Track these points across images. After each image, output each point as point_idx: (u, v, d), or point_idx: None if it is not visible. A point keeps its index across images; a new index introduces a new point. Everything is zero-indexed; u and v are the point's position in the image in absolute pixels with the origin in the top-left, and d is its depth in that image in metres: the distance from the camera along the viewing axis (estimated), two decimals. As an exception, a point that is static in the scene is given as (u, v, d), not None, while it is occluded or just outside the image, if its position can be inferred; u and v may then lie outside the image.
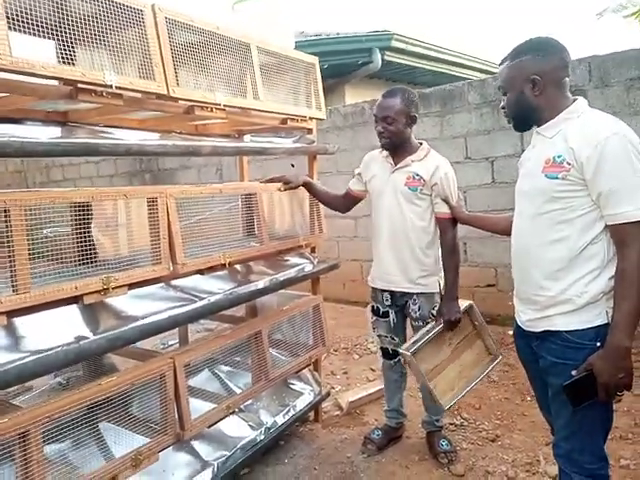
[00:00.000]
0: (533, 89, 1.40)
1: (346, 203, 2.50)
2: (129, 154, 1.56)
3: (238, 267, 2.39)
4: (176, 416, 1.81)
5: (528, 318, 1.48)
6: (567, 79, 1.42)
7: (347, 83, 6.76)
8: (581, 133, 1.33)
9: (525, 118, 1.48)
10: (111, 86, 1.47)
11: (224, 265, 1.95)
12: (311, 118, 2.42)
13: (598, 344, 1.33)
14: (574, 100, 1.41)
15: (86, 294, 1.47)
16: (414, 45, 6.38)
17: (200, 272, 1.92)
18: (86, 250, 1.58)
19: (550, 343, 1.41)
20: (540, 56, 1.39)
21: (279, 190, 2.28)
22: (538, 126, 1.45)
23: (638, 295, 1.27)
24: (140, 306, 1.80)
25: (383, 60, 6.21)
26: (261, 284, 2.22)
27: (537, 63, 1.39)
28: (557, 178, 1.34)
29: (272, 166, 5.14)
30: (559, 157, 1.34)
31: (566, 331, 1.37)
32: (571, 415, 1.40)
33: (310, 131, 2.50)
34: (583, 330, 1.35)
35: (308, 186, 2.42)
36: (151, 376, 1.72)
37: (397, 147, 2.24)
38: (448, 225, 2.21)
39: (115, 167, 6.67)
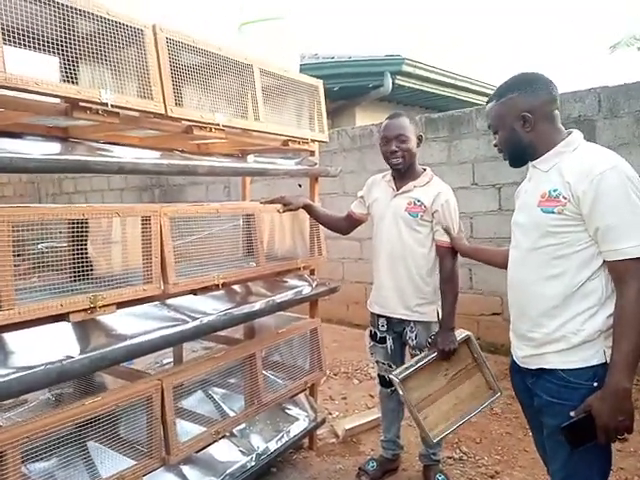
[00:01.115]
0: (524, 126, 1.39)
1: (347, 225, 2.48)
2: (123, 172, 1.56)
3: (235, 288, 2.36)
4: (162, 439, 1.77)
5: (524, 354, 1.42)
6: (557, 112, 1.41)
7: (357, 105, 6.81)
8: (577, 167, 1.30)
9: (519, 154, 1.46)
10: (107, 104, 1.47)
11: (218, 286, 1.92)
12: (313, 140, 2.41)
13: (595, 384, 1.27)
14: (568, 133, 1.40)
15: (72, 312, 1.44)
16: (425, 70, 6.42)
17: (193, 292, 1.89)
18: (76, 267, 1.57)
19: (545, 381, 1.35)
20: (528, 92, 1.38)
21: (278, 211, 2.26)
22: (533, 160, 1.43)
23: (637, 334, 1.21)
24: (131, 325, 1.77)
25: (394, 84, 6.25)
26: (257, 305, 2.18)
27: (526, 99, 1.38)
28: (553, 212, 1.32)
29: (279, 185, 5.16)
30: (555, 191, 1.32)
31: (562, 370, 1.31)
32: (567, 457, 1.33)
33: (312, 153, 2.49)
34: (580, 369, 1.29)
35: (308, 208, 2.39)
36: (137, 398, 1.69)
37: (404, 171, 2.22)
38: (447, 253, 2.17)
39: (126, 181, 6.73)
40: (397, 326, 2.25)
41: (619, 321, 1.24)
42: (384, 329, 2.29)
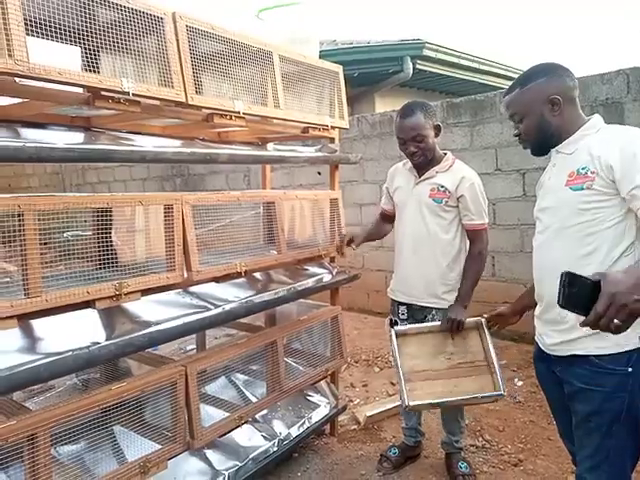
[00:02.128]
0: (552, 110, 1.39)
1: (387, 223, 2.49)
2: (144, 161, 1.56)
3: (257, 275, 2.37)
4: (187, 424, 1.80)
5: (553, 342, 1.40)
6: (577, 98, 1.44)
7: (377, 92, 6.72)
8: (605, 142, 1.32)
9: (546, 140, 1.44)
10: (128, 93, 1.47)
11: (240, 273, 1.93)
12: (333, 127, 2.39)
13: (630, 369, 1.26)
14: (589, 118, 1.41)
15: (98, 299, 1.47)
16: (446, 54, 6.29)
17: (216, 280, 1.90)
18: (101, 255, 1.59)
19: (577, 368, 1.33)
20: (554, 77, 1.40)
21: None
22: (556, 146, 1.43)
23: None
24: (155, 312, 1.79)
25: (414, 69, 6.14)
26: (278, 293, 2.19)
27: (553, 84, 1.39)
28: (582, 189, 1.31)
29: (299, 173, 5.15)
30: (583, 169, 1.32)
31: (595, 355, 1.29)
32: (599, 443, 1.32)
33: (332, 140, 2.47)
34: (614, 355, 1.28)
35: (367, 239, 2.51)
36: (162, 384, 1.71)
37: (427, 163, 2.19)
38: (479, 236, 2.15)
39: (148, 171, 6.81)
40: (418, 313, 2.23)
41: None
42: (404, 317, 2.27)
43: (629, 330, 1.13)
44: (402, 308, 2.28)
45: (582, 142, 1.37)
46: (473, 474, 2.24)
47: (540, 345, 1.46)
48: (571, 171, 1.34)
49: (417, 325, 1.97)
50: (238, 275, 1.96)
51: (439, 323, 2.03)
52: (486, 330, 1.96)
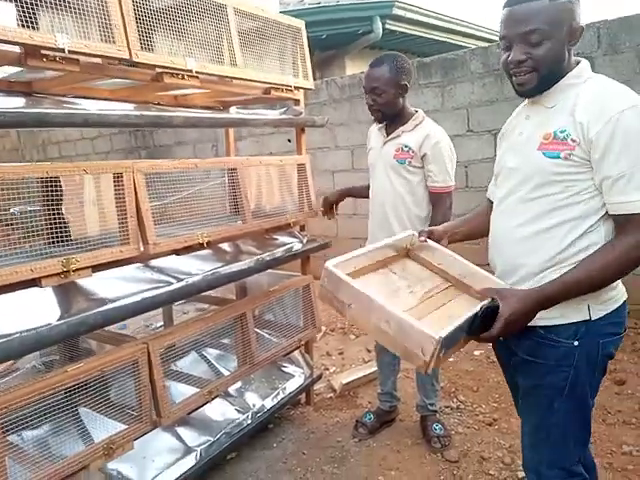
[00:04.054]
0: (571, 40, 1.15)
1: None
2: (87, 125, 1.44)
3: (224, 247, 2.28)
4: (152, 403, 1.73)
5: None
6: None
7: (347, 54, 6.53)
8: (591, 104, 1.12)
9: (553, 76, 1.17)
10: (64, 50, 1.33)
11: (202, 245, 1.83)
12: (297, 88, 2.27)
13: (576, 343, 1.17)
14: (576, 62, 1.20)
15: (44, 277, 1.36)
16: (417, 13, 6.11)
17: (176, 252, 1.80)
18: (49, 230, 1.47)
19: (524, 339, 1.24)
20: (576, 4, 1.15)
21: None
22: (547, 89, 1.20)
23: (596, 281, 1.12)
24: (112, 288, 1.70)
25: (384, 29, 5.96)
26: (245, 264, 2.11)
27: (577, 9, 1.15)
28: (558, 157, 1.14)
29: (269, 141, 5.00)
30: (562, 132, 1.14)
31: (541, 326, 1.20)
32: (537, 421, 1.25)
33: (297, 102, 2.36)
34: (559, 326, 1.18)
35: (347, 192, 2.47)
36: (123, 363, 1.63)
37: (390, 119, 2.11)
38: (439, 199, 2.09)
39: (111, 144, 6.54)
40: None
41: (598, 256, 1.11)
42: None
43: (577, 300, 1.16)
44: None
45: (565, 95, 1.16)
46: (448, 435, 2.25)
47: None
48: (547, 132, 1.16)
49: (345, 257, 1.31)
50: (200, 247, 1.86)
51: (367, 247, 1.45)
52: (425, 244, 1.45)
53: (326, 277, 1.22)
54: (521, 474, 1.96)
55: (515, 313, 1.11)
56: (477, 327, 1.13)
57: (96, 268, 1.52)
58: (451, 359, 2.93)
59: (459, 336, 1.13)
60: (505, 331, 1.12)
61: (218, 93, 2.16)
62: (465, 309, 1.19)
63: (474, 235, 1.55)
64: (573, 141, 1.12)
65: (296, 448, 2.28)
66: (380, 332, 1.13)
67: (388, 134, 2.16)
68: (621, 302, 1.23)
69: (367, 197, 2.38)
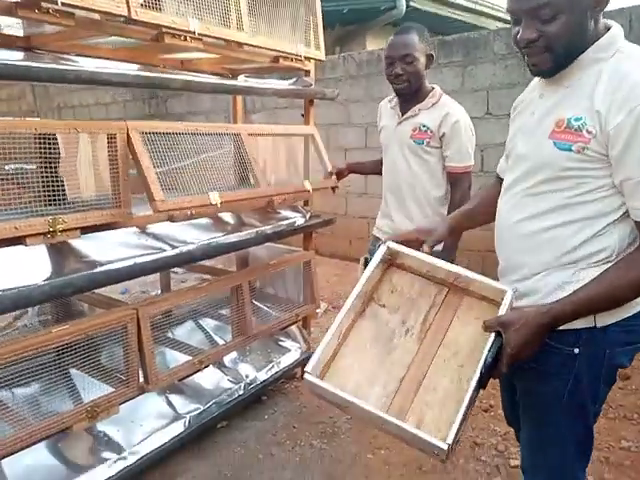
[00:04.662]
0: (595, 10, 0.99)
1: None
2: (80, 82, 1.40)
3: (225, 218, 2.25)
4: (140, 368, 1.72)
5: None
6: None
7: (368, 30, 6.35)
8: (614, 88, 0.95)
9: (573, 52, 1.02)
10: (56, 1, 1.29)
11: (215, 207, 1.72)
12: (308, 58, 2.19)
13: (577, 350, 1.07)
14: (607, 28, 1.02)
15: (29, 236, 1.34)
16: (443, -10, 5.91)
17: (171, 219, 1.76)
18: (40, 190, 1.45)
19: None
20: None
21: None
22: (565, 67, 1.04)
23: (618, 297, 1.00)
24: (104, 252, 1.68)
25: (408, 6, 5.78)
26: (244, 235, 2.08)
27: None
28: (570, 150, 1.00)
29: (282, 115, 4.92)
30: (577, 120, 0.99)
31: None
32: (535, 426, 1.18)
33: (307, 73, 2.28)
34: (560, 332, 1.05)
35: (353, 168, 2.41)
36: (111, 327, 1.62)
37: (412, 93, 2.01)
38: (457, 180, 2.01)
39: (125, 111, 6.52)
40: None
41: (616, 272, 0.99)
42: None
43: None
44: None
45: (586, 73, 1.00)
46: None
47: None
48: (561, 118, 1.02)
49: (326, 338, 1.11)
50: (213, 210, 1.78)
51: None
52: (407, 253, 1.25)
53: (308, 387, 1.08)
54: (513, 462, 1.93)
55: (521, 343, 1.00)
56: (487, 373, 1.01)
57: (85, 230, 1.50)
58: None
59: (472, 402, 1.01)
60: (514, 362, 1.01)
61: (225, 59, 2.09)
62: (471, 330, 1.11)
63: (484, 222, 1.40)
64: (589, 133, 0.97)
65: (287, 421, 2.28)
66: (388, 432, 1.02)
67: (403, 112, 2.06)
68: (638, 309, 1.08)
69: (376, 173, 2.31)
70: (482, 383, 1.01)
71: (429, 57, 1.97)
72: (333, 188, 2.35)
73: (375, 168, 2.34)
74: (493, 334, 1.03)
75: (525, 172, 1.12)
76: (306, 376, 1.06)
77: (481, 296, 1.16)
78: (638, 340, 1.10)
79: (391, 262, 1.29)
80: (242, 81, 2.39)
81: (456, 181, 2.02)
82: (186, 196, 1.65)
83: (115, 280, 1.57)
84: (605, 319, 1.05)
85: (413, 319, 1.20)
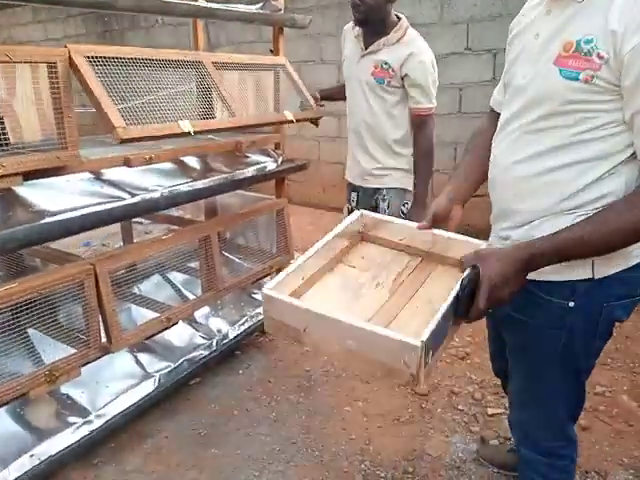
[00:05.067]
0: None
1: None
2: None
3: (189, 162, 2.06)
4: (101, 328, 1.59)
5: None
6: None
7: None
8: (635, 3, 0.81)
9: None
10: None
11: (187, 134, 1.53)
12: (276, -23, 1.95)
13: (571, 304, 0.98)
14: None
15: (-43, 182, 1.15)
16: None
17: (128, 163, 1.57)
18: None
19: None
20: None
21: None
22: None
23: (611, 241, 0.88)
24: (56, 201, 1.49)
25: None
26: (209, 182, 1.91)
27: None
28: (577, 79, 0.87)
29: (249, 50, 4.58)
30: (588, 42, 0.85)
31: (531, 280, 0.94)
32: (526, 382, 1.13)
33: (276, -3, 2.04)
34: (553, 283, 0.98)
35: (325, 94, 2.26)
36: (66, 284, 1.46)
37: (372, 26, 1.85)
38: (422, 123, 1.93)
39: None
40: (369, 199, 2.08)
41: (613, 213, 0.88)
42: (354, 204, 2.15)
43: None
44: (353, 195, 2.14)
45: None
46: None
47: None
48: (569, 40, 0.88)
49: (287, 270, 1.06)
50: (184, 136, 1.57)
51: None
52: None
53: (267, 304, 0.98)
54: (491, 410, 1.92)
55: (498, 274, 0.88)
56: (464, 306, 0.91)
57: (28, 176, 1.31)
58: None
59: (446, 327, 0.91)
60: (492, 300, 0.89)
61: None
62: (445, 285, 0.99)
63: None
64: (600, 57, 0.84)
65: (262, 376, 2.21)
66: (349, 354, 0.89)
67: (366, 46, 1.92)
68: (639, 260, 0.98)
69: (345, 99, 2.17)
70: (458, 314, 0.92)
71: None
72: (316, 120, 2.18)
73: (343, 94, 2.19)
74: (469, 268, 0.93)
75: (523, 106, 0.98)
76: (265, 291, 0.96)
77: (458, 262, 1.03)
78: (637, 293, 1.02)
79: (362, 236, 1.21)
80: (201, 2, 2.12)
81: (421, 123, 1.94)
82: (153, 123, 1.44)
83: (65, 233, 1.39)
84: (604, 270, 0.96)
85: (384, 276, 1.13)
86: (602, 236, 0.87)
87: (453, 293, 0.91)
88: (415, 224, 1.16)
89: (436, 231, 1.14)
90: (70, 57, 1.29)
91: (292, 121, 2.00)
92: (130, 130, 1.35)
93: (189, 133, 1.53)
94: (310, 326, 0.92)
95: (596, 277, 0.96)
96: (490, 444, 1.73)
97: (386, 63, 1.86)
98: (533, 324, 1.04)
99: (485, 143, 1.15)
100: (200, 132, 1.57)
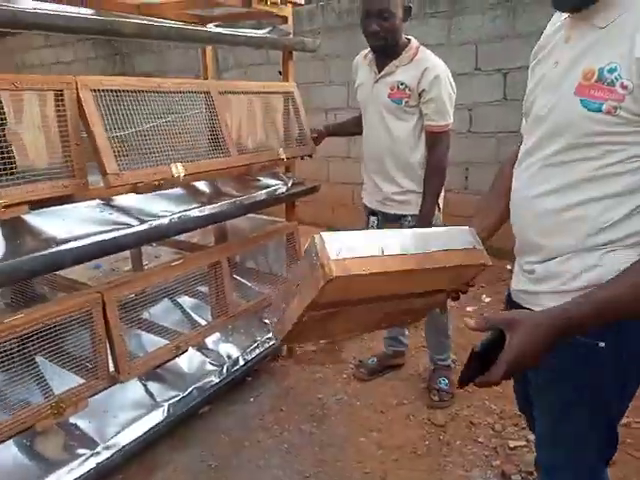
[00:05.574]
0: None
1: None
2: (16, 26, 1.15)
3: (199, 187, 2.04)
4: (109, 358, 1.55)
5: (517, 287, 1.05)
6: None
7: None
8: None
9: None
10: None
11: (177, 179, 1.54)
12: (284, 1, 1.94)
13: (602, 344, 0.90)
14: None
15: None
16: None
17: (136, 190, 1.55)
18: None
19: None
20: None
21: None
22: (588, 4, 0.84)
23: None
24: (65, 228, 1.47)
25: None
26: (219, 207, 1.88)
27: None
28: (599, 111, 0.81)
29: (257, 73, 4.63)
30: (612, 72, 0.79)
31: None
32: (551, 424, 1.04)
33: (285, 20, 2.04)
34: None
35: (333, 131, 2.25)
36: (73, 314, 1.43)
37: (389, 49, 1.86)
38: (435, 140, 1.89)
39: (88, 70, 6.07)
40: (391, 224, 2.03)
41: None
42: (375, 228, 2.10)
43: None
44: (372, 219, 2.11)
45: (627, 10, 0.80)
46: (450, 393, 2.10)
47: (510, 287, 1.11)
48: (590, 68, 0.82)
49: None
50: (174, 182, 1.59)
51: None
52: None
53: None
54: (512, 443, 1.84)
55: (527, 349, 0.77)
56: (474, 371, 0.81)
57: (35, 205, 1.29)
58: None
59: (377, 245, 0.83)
60: (511, 372, 0.78)
61: (190, 3, 1.83)
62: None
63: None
64: (623, 88, 0.78)
65: (274, 404, 2.15)
66: (305, 286, 0.83)
67: (379, 69, 1.90)
68: None
69: (358, 133, 2.15)
70: (463, 380, 0.83)
71: (407, 9, 1.82)
72: (309, 156, 2.17)
73: (356, 127, 2.16)
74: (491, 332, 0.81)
75: (543, 137, 0.93)
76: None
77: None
78: None
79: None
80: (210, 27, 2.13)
81: (435, 141, 1.90)
82: (145, 167, 1.45)
83: (72, 262, 1.36)
84: None
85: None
86: (633, 297, 0.77)
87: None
88: None
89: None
90: (77, 88, 1.27)
91: (283, 159, 1.99)
92: (121, 177, 1.36)
93: (179, 178, 1.54)
94: (298, 272, 0.86)
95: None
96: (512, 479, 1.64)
97: (402, 83, 1.84)
98: (559, 363, 0.95)
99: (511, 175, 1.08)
100: (190, 175, 1.57)
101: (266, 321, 2.48)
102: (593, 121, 0.83)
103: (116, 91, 1.35)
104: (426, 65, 1.81)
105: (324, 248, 0.79)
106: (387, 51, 1.86)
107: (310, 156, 2.18)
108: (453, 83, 1.88)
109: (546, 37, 1.02)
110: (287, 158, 2.02)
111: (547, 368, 0.97)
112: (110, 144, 1.37)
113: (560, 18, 0.96)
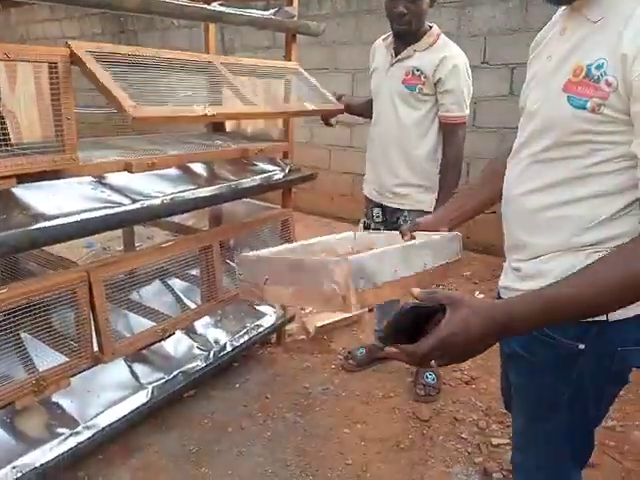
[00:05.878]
0: None
1: None
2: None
3: (195, 168, 2.01)
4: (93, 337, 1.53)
5: (503, 284, 1.04)
6: None
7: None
8: None
9: None
10: None
11: (207, 117, 1.46)
12: (291, -17, 1.90)
13: (582, 346, 0.89)
14: None
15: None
16: None
17: (128, 169, 1.52)
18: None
19: None
20: None
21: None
22: None
23: (611, 298, 0.73)
24: (55, 205, 1.44)
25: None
26: (213, 190, 1.85)
27: None
28: (584, 108, 0.80)
29: (263, 56, 4.55)
30: (599, 68, 0.78)
31: None
32: (526, 425, 1.04)
33: (290, 2, 1.99)
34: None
35: (346, 101, 2.10)
36: (58, 291, 1.41)
37: (411, 34, 1.81)
38: (452, 132, 1.85)
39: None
40: (391, 216, 2.02)
41: (611, 266, 0.73)
42: (379, 220, 2.08)
43: None
44: (377, 210, 2.08)
45: (621, 4, 0.78)
46: (437, 388, 2.09)
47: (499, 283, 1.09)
48: (579, 64, 0.81)
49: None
50: (203, 119, 1.53)
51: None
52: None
53: (240, 266, 1.06)
54: (495, 440, 1.84)
55: (459, 332, 0.72)
56: (392, 338, 0.77)
57: (22, 179, 1.26)
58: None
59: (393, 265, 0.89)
60: (437, 351, 0.73)
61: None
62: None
63: (493, 202, 1.14)
64: (608, 85, 0.77)
65: (259, 391, 2.14)
66: (295, 292, 0.92)
67: (397, 53, 1.85)
68: None
69: (366, 116, 2.10)
70: (383, 342, 0.82)
71: None
72: (334, 118, 2.12)
73: (366, 109, 2.11)
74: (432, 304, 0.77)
75: (533, 133, 0.92)
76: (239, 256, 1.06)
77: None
78: None
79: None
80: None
81: (451, 133, 1.85)
82: (167, 105, 1.36)
83: (57, 239, 1.34)
84: (620, 312, 0.84)
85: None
86: (599, 293, 0.72)
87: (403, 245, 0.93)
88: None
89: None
90: (72, 52, 1.24)
91: (312, 112, 1.91)
92: (142, 108, 1.28)
93: (205, 116, 1.45)
94: (269, 275, 0.96)
95: (610, 319, 0.86)
96: (493, 477, 1.64)
97: (418, 69, 1.79)
98: (539, 364, 0.95)
99: (499, 171, 1.07)
100: (215, 116, 1.49)
101: (256, 307, 2.47)
102: (579, 119, 0.81)
103: (110, 55, 1.31)
104: (445, 53, 1.77)
105: (349, 277, 0.81)
106: (408, 36, 1.80)
107: (331, 124, 2.13)
108: (470, 73, 1.85)
109: (544, 32, 1.01)
110: (314, 109, 1.92)
111: (526, 367, 0.98)
112: (122, 87, 1.31)
113: (557, 14, 0.96)
